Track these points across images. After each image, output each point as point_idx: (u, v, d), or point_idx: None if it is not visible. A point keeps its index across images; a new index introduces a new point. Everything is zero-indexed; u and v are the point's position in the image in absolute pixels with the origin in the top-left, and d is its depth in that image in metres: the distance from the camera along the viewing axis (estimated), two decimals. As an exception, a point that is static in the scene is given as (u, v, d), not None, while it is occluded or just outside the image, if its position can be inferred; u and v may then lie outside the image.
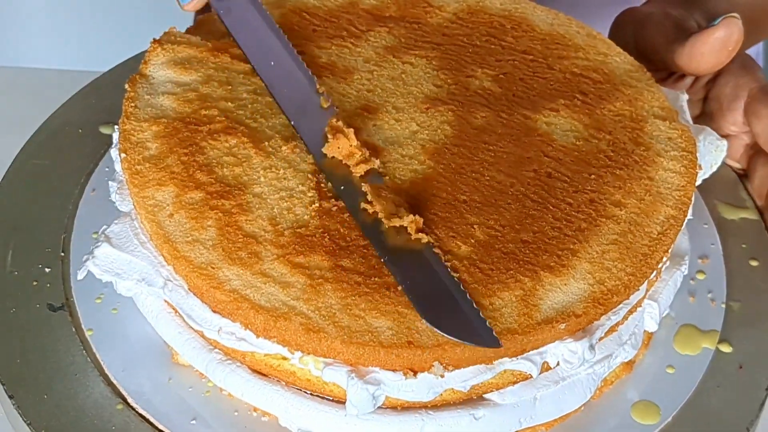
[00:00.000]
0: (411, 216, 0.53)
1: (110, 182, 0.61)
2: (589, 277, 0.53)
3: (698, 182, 0.61)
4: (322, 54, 0.65)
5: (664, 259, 0.57)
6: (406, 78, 0.64)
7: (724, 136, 0.68)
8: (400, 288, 0.51)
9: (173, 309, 0.56)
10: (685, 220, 0.58)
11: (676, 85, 0.72)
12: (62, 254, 0.63)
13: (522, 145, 0.60)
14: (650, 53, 0.70)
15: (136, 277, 0.55)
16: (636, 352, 0.58)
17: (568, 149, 0.60)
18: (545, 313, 0.51)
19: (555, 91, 0.64)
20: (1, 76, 0.91)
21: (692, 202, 0.59)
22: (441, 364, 0.50)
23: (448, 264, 0.52)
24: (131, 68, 0.65)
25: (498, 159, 0.59)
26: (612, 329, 0.56)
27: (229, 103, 0.60)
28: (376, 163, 0.57)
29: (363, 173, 0.56)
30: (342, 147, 0.57)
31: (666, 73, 0.72)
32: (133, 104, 0.59)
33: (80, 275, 0.57)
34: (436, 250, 0.53)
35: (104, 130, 0.71)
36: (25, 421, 0.55)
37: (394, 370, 0.50)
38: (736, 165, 0.71)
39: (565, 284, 0.53)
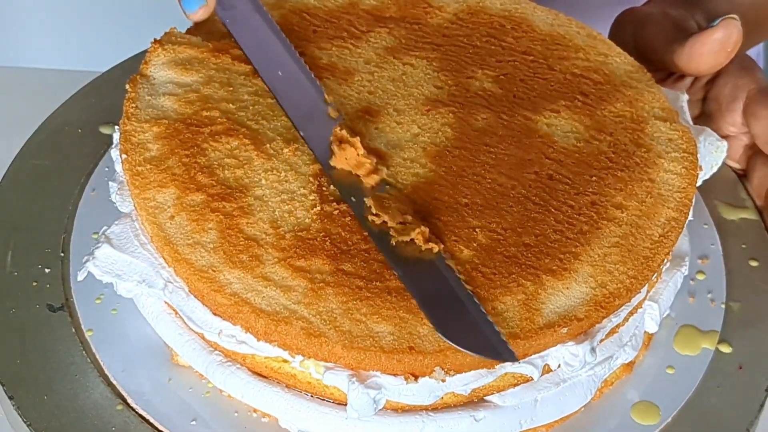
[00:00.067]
0: (419, 228, 0.53)
1: (110, 183, 0.61)
2: (591, 280, 0.53)
3: (698, 183, 0.61)
4: (322, 55, 0.65)
5: (665, 261, 0.57)
6: (406, 79, 0.64)
7: (723, 137, 0.68)
8: (415, 303, 0.51)
9: (173, 310, 0.56)
10: (686, 222, 0.58)
11: (675, 85, 0.72)
12: (62, 254, 0.63)
13: (523, 146, 0.60)
14: (650, 53, 0.70)
15: (137, 279, 0.55)
16: (636, 353, 0.58)
17: (569, 151, 0.60)
18: (547, 317, 0.51)
19: (555, 92, 0.64)
20: (1, 76, 0.91)
21: (693, 203, 0.59)
22: (442, 369, 0.50)
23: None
24: (131, 68, 0.65)
25: (499, 161, 0.59)
26: (612, 331, 0.56)
27: (231, 105, 0.60)
28: (385, 172, 0.57)
29: (374, 184, 0.56)
30: (349, 157, 0.57)
31: (665, 73, 0.72)
32: (134, 105, 0.59)
33: (80, 276, 0.56)
34: (449, 262, 0.52)
35: (104, 130, 0.71)
36: (25, 422, 0.55)
37: (395, 375, 0.50)
38: (736, 165, 0.71)
39: (567, 288, 0.53)
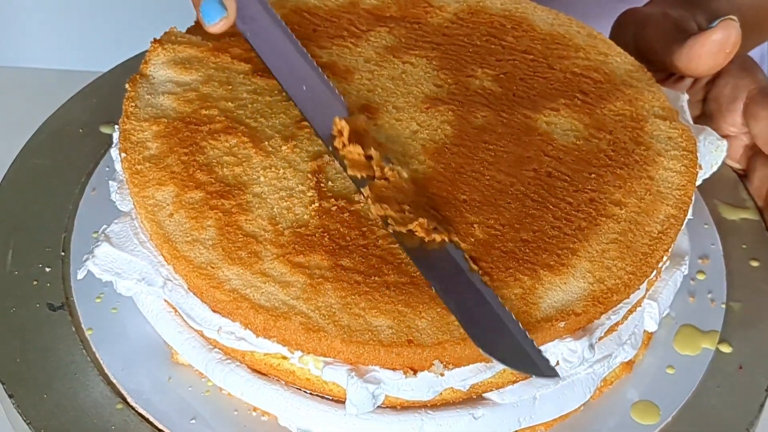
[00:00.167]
0: (440, 236, 0.53)
1: (110, 182, 0.61)
2: (589, 275, 0.53)
3: (698, 182, 0.61)
4: (322, 54, 0.65)
5: (665, 258, 0.57)
6: (406, 78, 0.64)
7: (724, 137, 0.68)
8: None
9: (173, 308, 0.56)
10: (686, 220, 0.58)
11: (675, 85, 0.72)
12: (62, 254, 0.63)
13: (522, 144, 0.60)
14: (650, 54, 0.70)
15: (136, 277, 0.55)
16: (636, 352, 0.58)
17: (568, 149, 0.60)
18: (545, 311, 0.51)
19: (555, 90, 0.64)
20: (1, 76, 0.91)
21: (692, 201, 0.59)
22: (441, 362, 0.50)
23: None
24: (131, 68, 0.65)
25: (498, 158, 0.59)
26: (612, 329, 0.56)
27: (230, 103, 0.60)
28: (405, 172, 0.57)
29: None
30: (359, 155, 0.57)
31: (666, 73, 0.72)
32: (133, 104, 0.60)
33: (80, 275, 0.57)
34: (485, 278, 0.52)
35: (104, 129, 0.71)
36: (24, 421, 0.55)
37: (394, 369, 0.50)
38: (736, 165, 0.71)
39: (565, 283, 0.53)
